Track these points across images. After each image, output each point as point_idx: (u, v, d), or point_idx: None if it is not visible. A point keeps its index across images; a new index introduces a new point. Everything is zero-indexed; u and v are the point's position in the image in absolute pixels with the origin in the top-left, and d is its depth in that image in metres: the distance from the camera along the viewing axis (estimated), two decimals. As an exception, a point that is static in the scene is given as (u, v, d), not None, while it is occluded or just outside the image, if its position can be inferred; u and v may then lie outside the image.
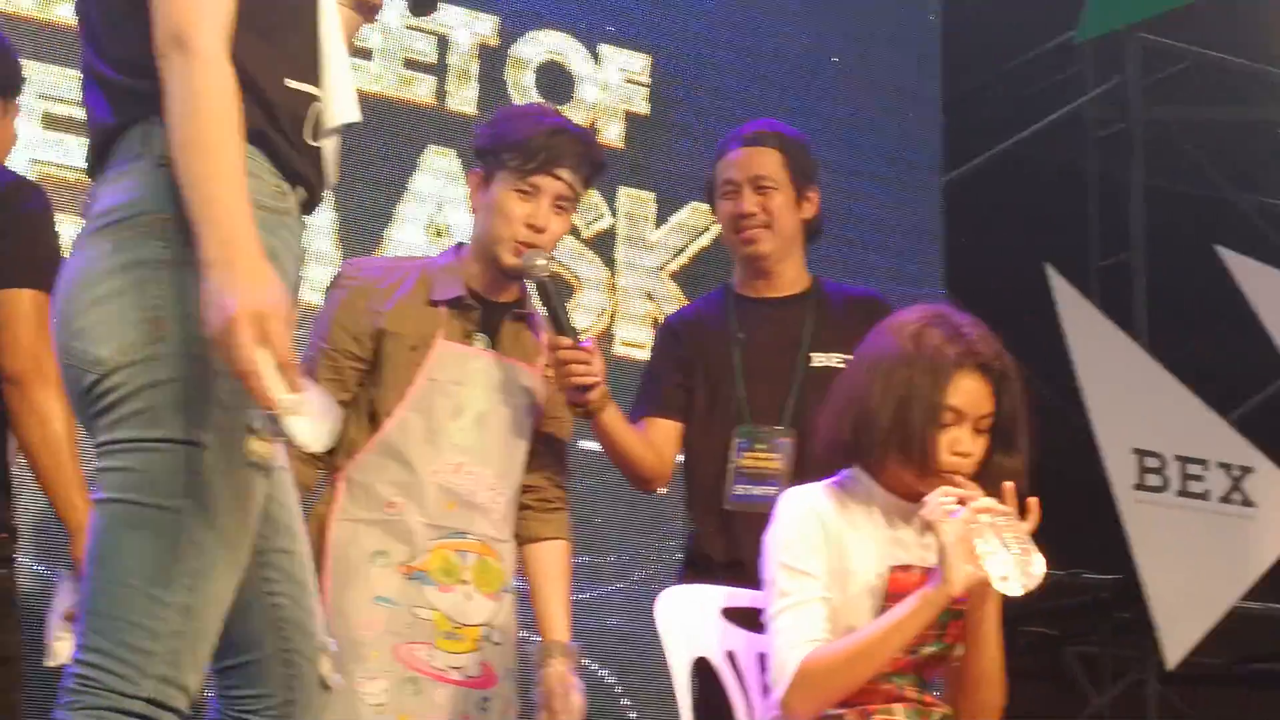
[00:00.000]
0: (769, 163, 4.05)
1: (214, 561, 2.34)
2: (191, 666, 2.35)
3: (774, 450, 3.91)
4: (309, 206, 2.60)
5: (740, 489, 3.92)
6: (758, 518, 3.45)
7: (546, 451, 3.84)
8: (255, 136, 2.43)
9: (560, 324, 3.70)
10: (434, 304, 3.69)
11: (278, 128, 2.47)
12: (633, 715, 5.64)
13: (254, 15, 2.43)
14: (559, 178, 3.68)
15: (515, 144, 3.67)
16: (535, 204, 3.67)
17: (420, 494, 3.61)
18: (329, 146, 2.59)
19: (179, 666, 2.33)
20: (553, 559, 3.84)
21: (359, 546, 3.59)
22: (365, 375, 3.67)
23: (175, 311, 2.33)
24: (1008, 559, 3.06)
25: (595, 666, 5.52)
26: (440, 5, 3.81)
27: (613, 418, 3.82)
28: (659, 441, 3.98)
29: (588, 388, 3.69)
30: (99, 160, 2.49)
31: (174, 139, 2.32)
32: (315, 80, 2.54)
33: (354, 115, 2.62)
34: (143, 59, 2.37)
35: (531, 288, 3.79)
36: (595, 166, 3.80)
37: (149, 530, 2.32)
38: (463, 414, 3.66)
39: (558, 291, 3.73)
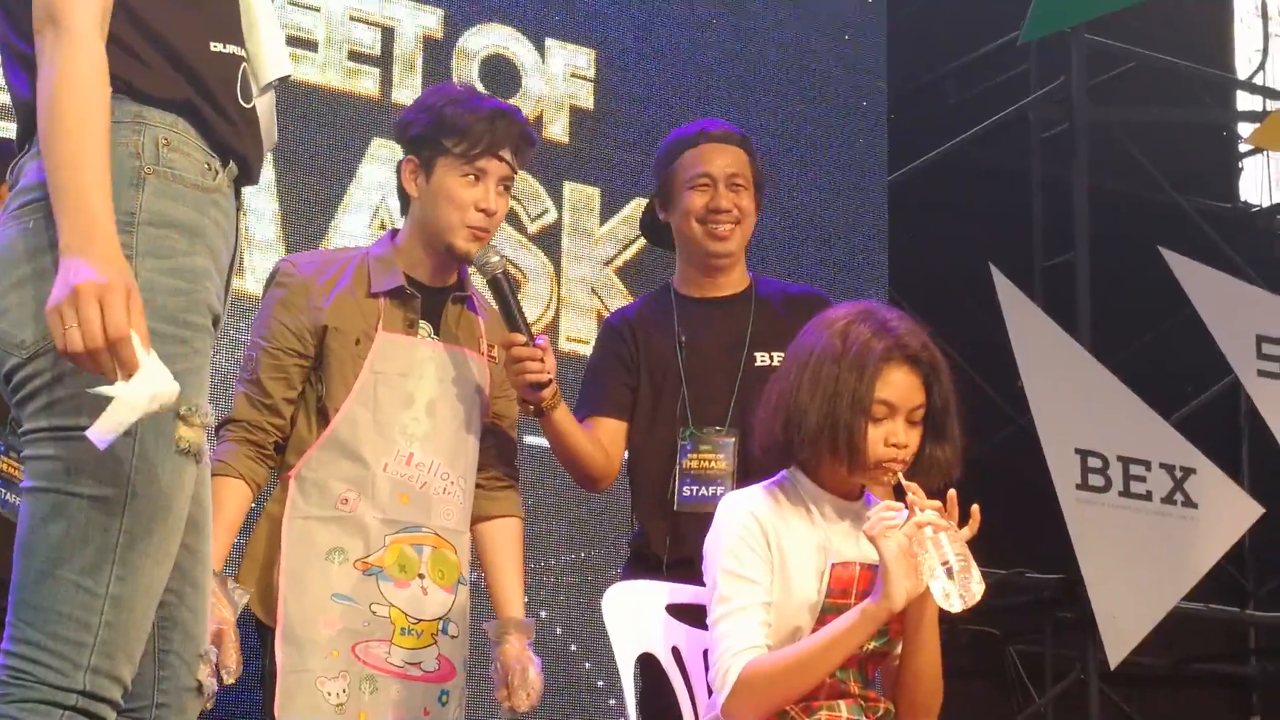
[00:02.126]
0: (742, 162, 4.06)
1: (145, 551, 2.31)
2: (125, 657, 2.32)
3: (718, 451, 3.92)
4: (247, 178, 2.56)
5: (687, 490, 3.92)
6: (704, 517, 3.47)
7: (495, 432, 3.84)
8: (182, 108, 2.40)
9: (514, 321, 3.70)
10: (374, 296, 3.69)
11: (207, 97, 2.44)
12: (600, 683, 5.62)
13: None
14: (503, 159, 3.70)
15: (458, 129, 3.67)
16: (483, 187, 3.68)
17: (373, 489, 3.60)
18: (264, 105, 2.56)
19: (112, 658, 2.30)
20: (504, 536, 3.85)
21: (314, 544, 3.58)
22: (310, 372, 3.66)
23: None
24: (949, 576, 3.06)
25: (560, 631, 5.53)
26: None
27: (563, 416, 3.82)
28: (605, 441, 3.98)
29: (541, 385, 3.69)
30: (26, 137, 2.44)
31: (39, 122, 2.29)
32: (240, 40, 2.50)
33: (285, 69, 2.58)
34: None
35: (482, 282, 3.78)
36: (532, 144, 3.83)
37: (78, 521, 2.28)
38: (413, 404, 3.65)
39: (511, 287, 3.73)
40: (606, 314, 5.40)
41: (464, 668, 3.71)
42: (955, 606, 3.06)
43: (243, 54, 2.50)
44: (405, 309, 3.70)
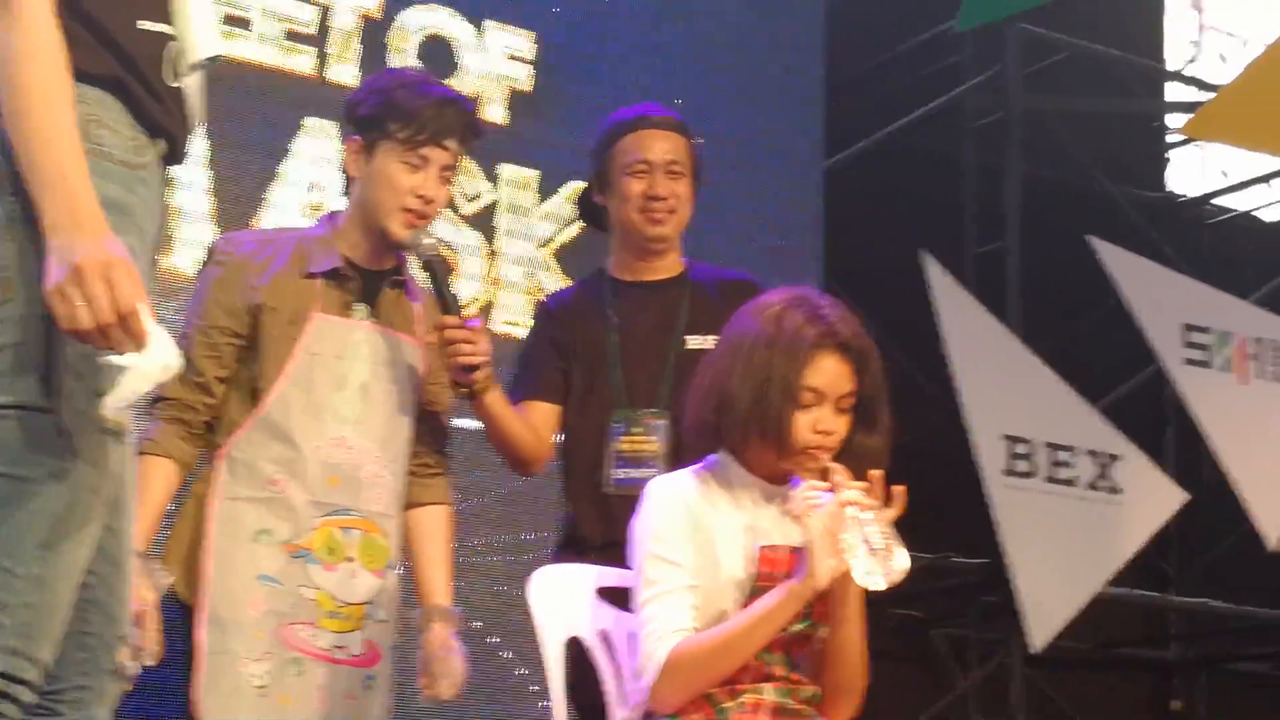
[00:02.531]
0: (681, 149, 4.06)
1: (66, 531, 2.28)
2: (44, 639, 2.28)
3: (650, 433, 3.93)
4: (174, 157, 2.53)
5: (620, 472, 3.92)
6: (636, 500, 3.45)
7: (428, 418, 3.82)
8: (111, 85, 2.38)
9: (447, 303, 3.70)
10: (310, 276, 3.67)
11: (135, 74, 2.41)
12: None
13: None
14: (446, 148, 3.68)
15: (405, 115, 3.65)
16: (424, 175, 3.67)
17: (303, 470, 3.58)
18: (192, 85, 2.53)
19: (31, 639, 2.27)
20: (433, 524, 3.84)
21: (241, 525, 3.55)
22: (244, 352, 3.63)
23: (22, 271, 2.26)
24: (872, 554, 3.08)
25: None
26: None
27: (496, 399, 3.82)
28: (538, 424, 3.98)
29: (473, 368, 3.69)
30: None
31: (1, 104, 2.26)
32: (168, 18, 2.48)
33: (215, 48, 2.56)
34: None
35: (416, 264, 3.79)
36: (477, 134, 3.81)
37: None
38: (346, 386, 3.64)
39: (444, 270, 3.73)
40: (542, 296, 5.41)
41: (391, 653, 3.70)
42: (878, 585, 3.07)
43: (171, 32, 2.47)
44: (342, 290, 3.68)
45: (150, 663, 3.38)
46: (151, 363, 2.26)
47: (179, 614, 3.60)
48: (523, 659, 5.53)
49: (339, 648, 3.57)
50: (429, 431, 3.84)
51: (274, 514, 3.56)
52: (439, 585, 3.80)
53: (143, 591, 3.32)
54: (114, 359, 2.23)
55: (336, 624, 3.57)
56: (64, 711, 2.41)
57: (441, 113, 3.67)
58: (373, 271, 3.74)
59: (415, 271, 3.85)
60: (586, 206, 4.24)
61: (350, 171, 3.75)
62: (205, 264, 3.75)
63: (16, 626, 2.26)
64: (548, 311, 4.18)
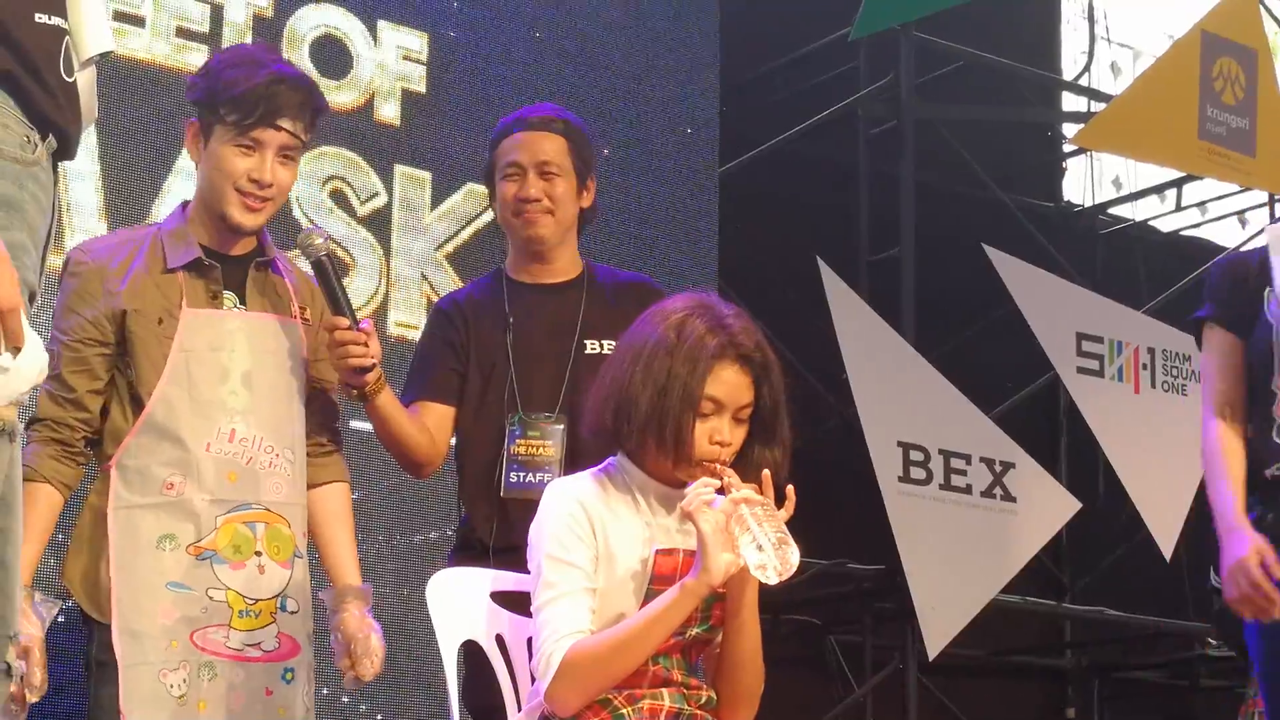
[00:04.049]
0: (555, 148, 4.02)
1: None
2: None
3: (546, 437, 3.91)
4: (65, 153, 2.49)
5: (514, 476, 3.90)
6: (531, 504, 3.44)
7: (316, 397, 3.77)
8: (3, 78, 2.34)
9: (338, 304, 3.63)
10: (171, 271, 3.59)
11: (28, 68, 2.37)
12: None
13: None
14: (281, 128, 3.59)
15: (232, 98, 3.55)
16: (259, 158, 3.58)
17: (198, 470, 3.52)
18: (84, 80, 2.50)
19: None
20: (334, 503, 3.79)
21: (142, 533, 3.49)
22: (116, 360, 3.56)
23: None
24: (765, 548, 3.08)
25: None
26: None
27: (388, 400, 3.78)
28: (432, 426, 3.95)
29: (365, 370, 3.65)
30: None
31: None
32: (64, 12, 2.44)
33: (107, 44, 2.52)
34: None
35: (305, 263, 3.73)
36: (319, 111, 3.70)
37: None
38: (228, 378, 3.57)
39: (335, 270, 3.66)
40: (436, 299, 5.38)
41: (309, 642, 3.65)
42: (771, 579, 3.07)
43: (66, 26, 2.45)
44: (206, 280, 3.61)
45: (34, 699, 3.32)
46: (29, 365, 2.23)
47: (83, 632, 3.56)
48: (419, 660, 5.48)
49: (251, 645, 3.52)
50: (319, 410, 3.78)
51: (174, 518, 3.50)
52: (348, 564, 3.76)
53: (27, 626, 3.26)
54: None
55: (248, 622, 3.52)
56: None
57: (271, 91, 3.56)
58: (235, 258, 3.66)
59: (303, 266, 3.80)
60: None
61: (191, 156, 3.68)
62: (61, 276, 3.66)
63: None
64: (443, 312, 4.13)
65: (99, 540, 3.51)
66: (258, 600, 3.54)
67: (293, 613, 3.60)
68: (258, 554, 3.55)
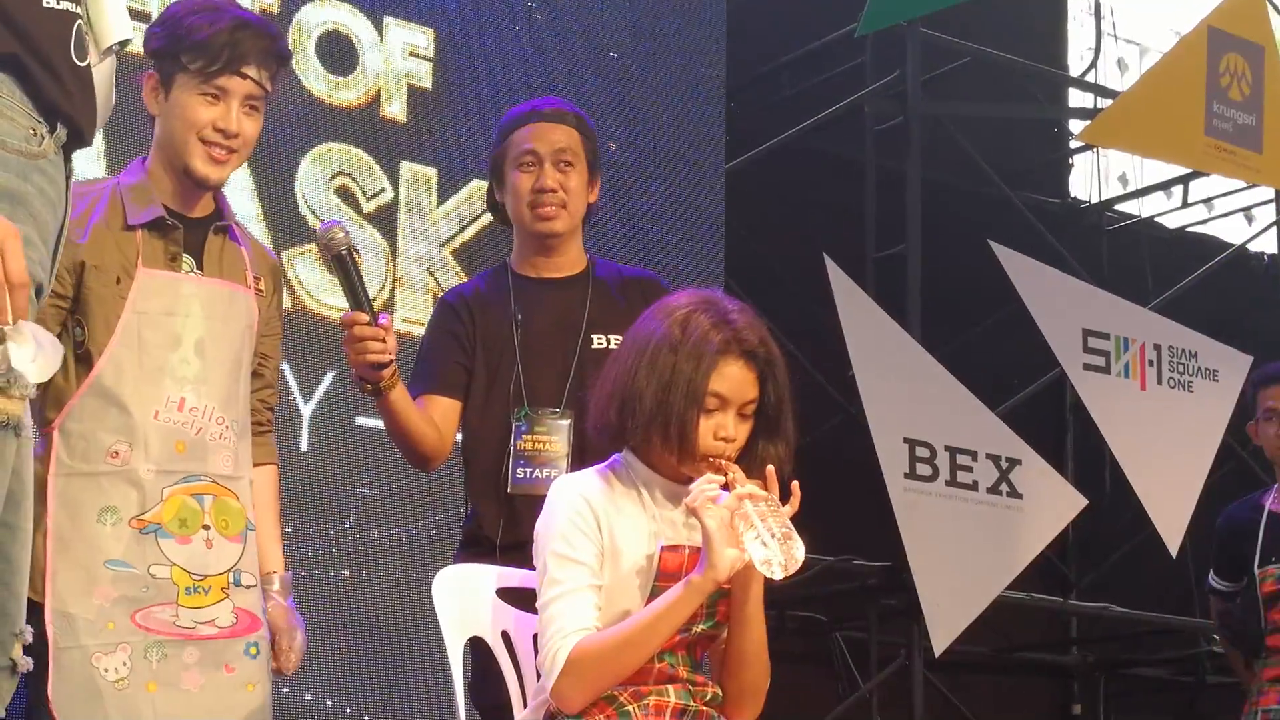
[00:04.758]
0: (571, 140, 3.99)
1: None
2: None
3: (552, 433, 3.88)
4: (79, 141, 2.46)
5: (521, 472, 3.87)
6: (538, 500, 3.41)
7: (259, 374, 3.66)
8: (9, 65, 2.31)
9: (358, 298, 3.57)
10: (131, 228, 3.46)
11: (35, 54, 2.33)
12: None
13: None
14: (246, 76, 3.47)
15: (195, 44, 3.43)
16: (224, 107, 3.46)
17: (145, 439, 3.37)
18: (103, 70, 2.47)
19: None
20: (262, 486, 3.65)
21: (81, 505, 3.34)
22: (67, 315, 3.40)
23: None
24: (770, 543, 3.07)
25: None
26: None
27: (400, 395, 3.76)
28: (439, 420, 3.92)
29: (382, 365, 3.62)
30: None
31: None
32: None
33: (126, 32, 2.50)
34: None
35: (327, 259, 3.65)
36: (282, 60, 3.59)
37: None
38: (180, 345, 3.43)
39: (356, 265, 3.59)
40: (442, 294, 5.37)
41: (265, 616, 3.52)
42: (776, 575, 3.06)
43: (78, 11, 2.42)
44: (166, 241, 3.47)
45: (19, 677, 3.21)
46: (32, 358, 2.23)
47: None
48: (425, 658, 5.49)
49: (203, 623, 3.38)
50: (259, 388, 3.66)
51: (117, 489, 3.35)
52: (274, 551, 3.64)
53: None
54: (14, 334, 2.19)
55: (196, 599, 3.37)
56: None
57: (236, 37, 3.43)
58: (194, 220, 3.54)
59: (330, 270, 3.74)
60: (491, 203, 4.18)
61: (150, 109, 3.53)
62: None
63: None
64: (449, 305, 4.09)
65: (37, 511, 3.22)
66: (205, 576, 3.39)
67: (249, 587, 3.47)
68: (205, 528, 3.40)
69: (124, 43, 2.50)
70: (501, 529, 3.86)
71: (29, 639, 2.49)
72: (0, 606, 2.40)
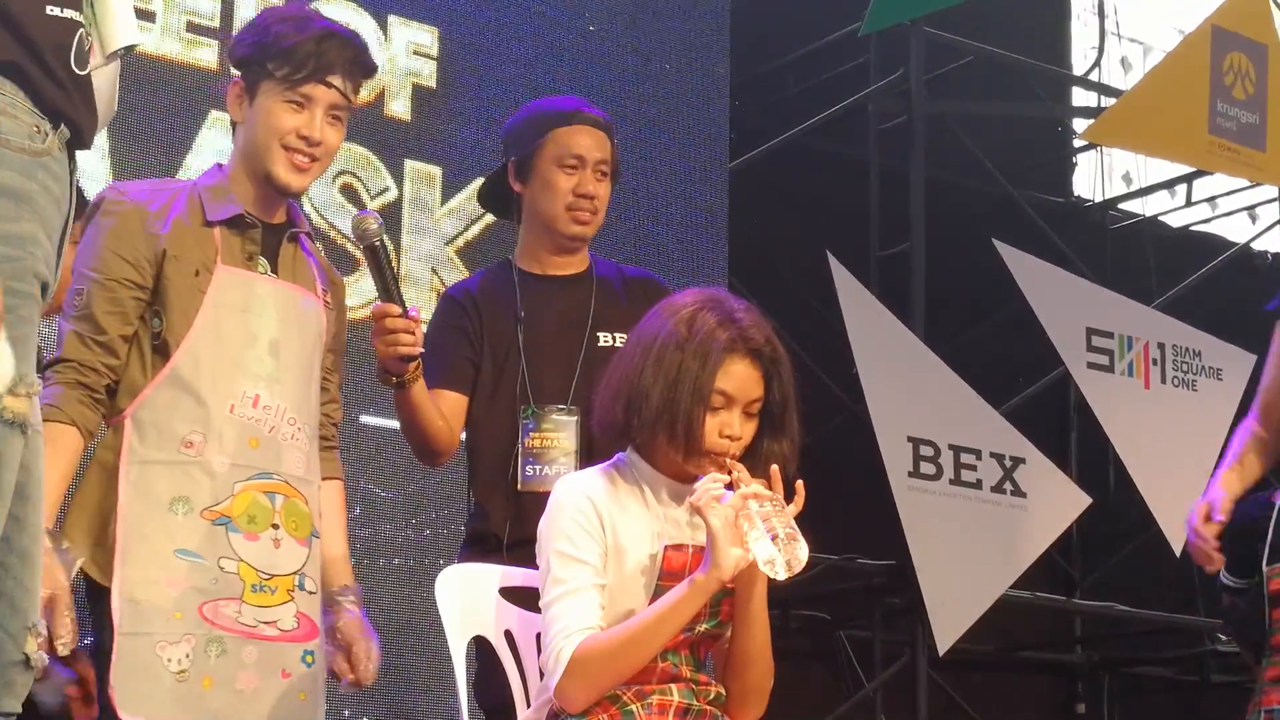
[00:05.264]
0: (607, 148, 4.01)
1: None
2: None
3: (560, 430, 3.88)
4: (79, 142, 2.46)
5: (529, 469, 3.87)
6: (546, 497, 3.40)
7: (324, 388, 3.64)
8: (10, 70, 2.31)
9: (389, 291, 3.55)
10: (210, 225, 3.45)
11: (37, 60, 2.33)
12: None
13: None
14: (331, 85, 3.47)
15: (282, 52, 3.43)
16: (308, 115, 3.46)
17: (219, 431, 3.35)
18: (106, 74, 2.48)
19: None
20: (328, 501, 3.63)
21: (155, 493, 3.31)
22: (145, 306, 3.39)
23: None
24: (774, 543, 3.07)
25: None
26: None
27: (421, 390, 3.74)
28: (448, 414, 3.90)
29: (411, 358, 3.60)
30: None
31: None
32: (77, 5, 2.43)
33: (134, 37, 2.50)
34: None
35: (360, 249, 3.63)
36: (368, 71, 3.59)
37: None
38: (256, 342, 3.42)
39: (388, 257, 3.58)
40: (446, 294, 5.37)
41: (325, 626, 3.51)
42: (780, 574, 3.06)
43: (80, 19, 2.42)
44: (244, 239, 3.47)
45: (63, 652, 3.13)
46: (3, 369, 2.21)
47: (87, 594, 3.35)
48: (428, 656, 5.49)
49: (267, 623, 3.35)
50: (326, 401, 3.66)
51: (190, 479, 3.32)
52: (344, 565, 3.62)
53: (53, 574, 3.08)
54: None
55: (262, 598, 3.34)
56: None
57: (323, 46, 3.44)
58: (270, 225, 3.54)
59: (364, 260, 3.70)
60: (495, 192, 4.15)
61: (233, 116, 3.54)
62: (92, 215, 3.46)
63: None
64: (454, 300, 4.08)
65: (108, 497, 3.32)
66: (273, 575, 3.37)
67: (311, 593, 3.44)
68: (274, 527, 3.38)
69: (129, 48, 2.51)
70: (509, 527, 3.86)
71: (43, 633, 2.48)
72: (11, 600, 2.37)
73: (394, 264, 3.61)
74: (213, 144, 5.51)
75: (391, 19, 6.00)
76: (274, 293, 3.48)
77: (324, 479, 3.60)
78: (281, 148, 3.46)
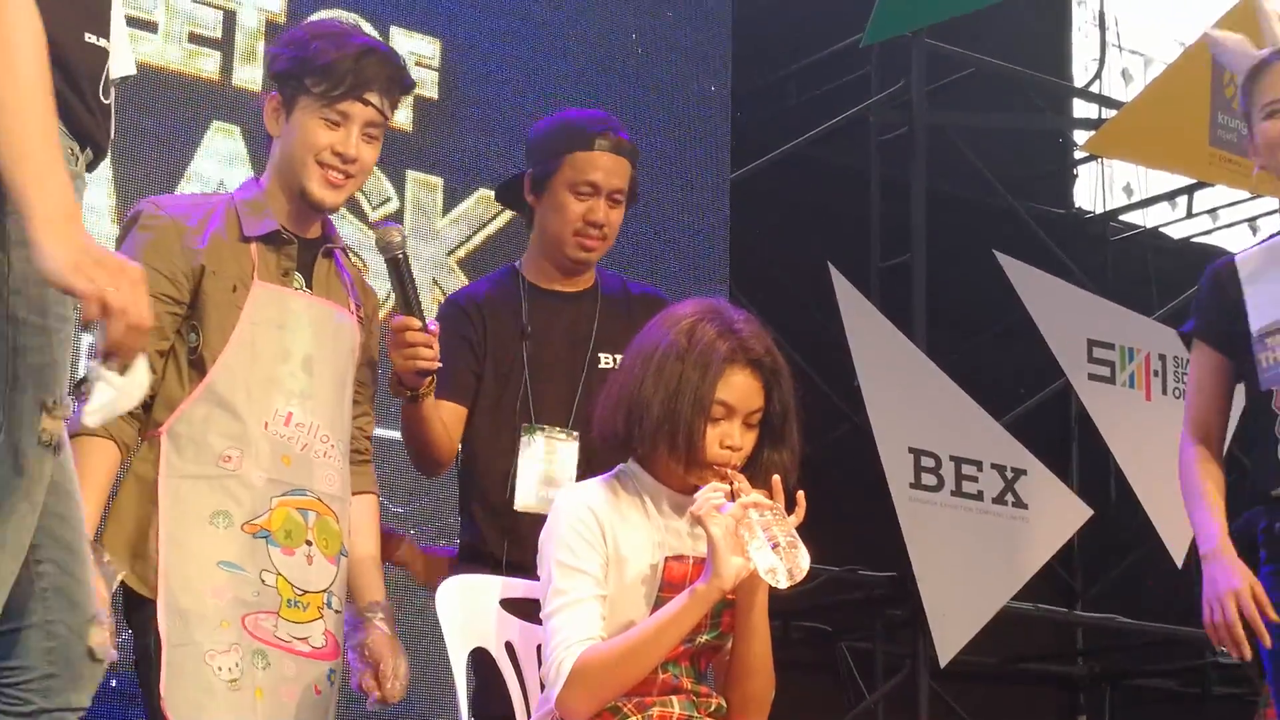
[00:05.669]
0: (626, 177, 3.99)
1: (1, 542, 2.26)
2: None
3: (559, 452, 3.86)
4: (92, 165, 2.51)
5: (526, 489, 3.85)
6: (542, 519, 3.40)
7: (357, 401, 3.64)
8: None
9: (411, 304, 3.53)
10: (246, 240, 3.45)
11: (74, 87, 2.38)
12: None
13: None
14: (369, 103, 3.47)
15: (320, 68, 3.43)
16: (344, 132, 3.46)
17: (256, 446, 3.36)
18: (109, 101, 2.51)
19: None
20: (362, 515, 3.64)
21: (194, 507, 3.31)
22: (182, 321, 3.40)
23: None
24: (775, 552, 3.07)
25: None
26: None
27: (432, 403, 3.72)
28: (448, 424, 3.86)
29: (428, 373, 3.58)
30: None
31: None
32: (108, 33, 2.45)
33: (130, 68, 2.53)
34: None
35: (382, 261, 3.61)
36: (405, 89, 3.60)
37: None
38: (289, 358, 3.43)
39: (410, 270, 3.57)
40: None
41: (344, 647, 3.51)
42: (782, 583, 3.06)
43: (109, 48, 2.46)
44: (280, 255, 3.48)
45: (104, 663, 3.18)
46: (137, 385, 2.27)
47: (125, 606, 3.37)
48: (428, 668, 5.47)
49: (300, 639, 3.37)
50: (359, 414, 3.65)
51: (229, 493, 3.33)
52: (376, 581, 3.62)
53: (96, 588, 2.98)
54: (104, 375, 2.24)
55: (296, 613, 3.36)
56: (34, 700, 2.40)
57: (361, 64, 3.45)
58: (306, 240, 3.54)
59: (375, 263, 3.70)
60: (513, 199, 4.12)
61: (270, 130, 3.54)
62: (128, 230, 3.47)
63: None
64: (459, 307, 4.03)
65: (145, 511, 3.32)
66: (306, 592, 3.38)
67: (337, 611, 3.46)
68: (308, 543, 3.39)
69: (125, 77, 2.53)
70: (505, 548, 3.84)
71: (105, 622, 2.51)
72: (69, 595, 2.43)
73: (414, 276, 3.58)
74: (213, 157, 5.51)
75: (394, 30, 6.00)
76: (308, 308, 3.48)
77: (356, 493, 3.60)
78: (317, 164, 3.46)
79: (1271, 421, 3.70)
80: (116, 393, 2.24)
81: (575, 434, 3.87)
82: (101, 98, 2.43)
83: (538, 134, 4.08)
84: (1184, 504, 3.84)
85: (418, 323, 3.52)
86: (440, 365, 3.58)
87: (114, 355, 2.21)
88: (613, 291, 4.06)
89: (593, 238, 3.94)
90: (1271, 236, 3.95)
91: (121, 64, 2.52)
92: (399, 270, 3.53)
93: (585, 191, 3.93)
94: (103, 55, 2.43)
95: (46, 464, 2.32)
